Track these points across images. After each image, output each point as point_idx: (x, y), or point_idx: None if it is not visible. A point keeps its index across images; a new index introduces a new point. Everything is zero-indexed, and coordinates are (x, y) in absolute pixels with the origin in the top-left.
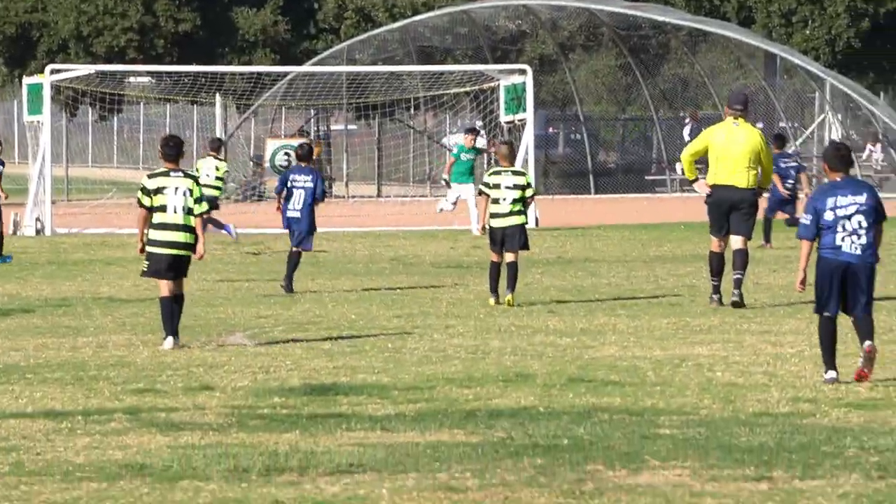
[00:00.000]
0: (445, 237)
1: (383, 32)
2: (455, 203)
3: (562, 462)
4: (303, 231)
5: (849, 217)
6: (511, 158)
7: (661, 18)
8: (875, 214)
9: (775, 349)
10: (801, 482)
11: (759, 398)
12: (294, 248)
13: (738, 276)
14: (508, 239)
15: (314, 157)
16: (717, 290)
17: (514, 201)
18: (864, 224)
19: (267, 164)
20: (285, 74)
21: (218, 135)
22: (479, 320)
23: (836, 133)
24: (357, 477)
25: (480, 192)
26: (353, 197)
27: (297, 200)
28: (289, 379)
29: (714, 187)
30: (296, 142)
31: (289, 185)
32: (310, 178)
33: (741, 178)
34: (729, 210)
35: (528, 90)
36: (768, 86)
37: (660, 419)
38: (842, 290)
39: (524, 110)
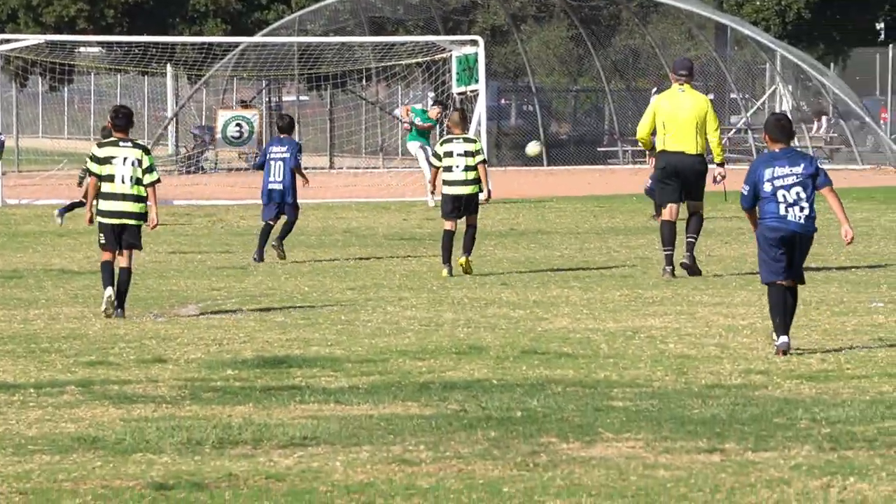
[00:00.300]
0: (398, 209)
1: (334, 3)
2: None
3: (515, 434)
4: (287, 201)
5: (787, 188)
6: (463, 125)
7: None
8: (814, 182)
9: (727, 321)
10: (754, 454)
11: (712, 370)
12: (269, 222)
13: (691, 239)
14: (464, 207)
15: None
16: (669, 260)
17: (467, 168)
18: (803, 195)
19: (219, 136)
20: (236, 45)
21: (169, 105)
22: (432, 292)
23: (786, 104)
24: (311, 450)
25: (431, 164)
26: (305, 168)
27: (277, 172)
28: (242, 351)
29: (663, 153)
30: (248, 113)
31: (267, 157)
32: (286, 148)
33: (689, 144)
34: (678, 176)
35: (479, 61)
36: (719, 57)
37: (613, 391)
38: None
39: (476, 81)
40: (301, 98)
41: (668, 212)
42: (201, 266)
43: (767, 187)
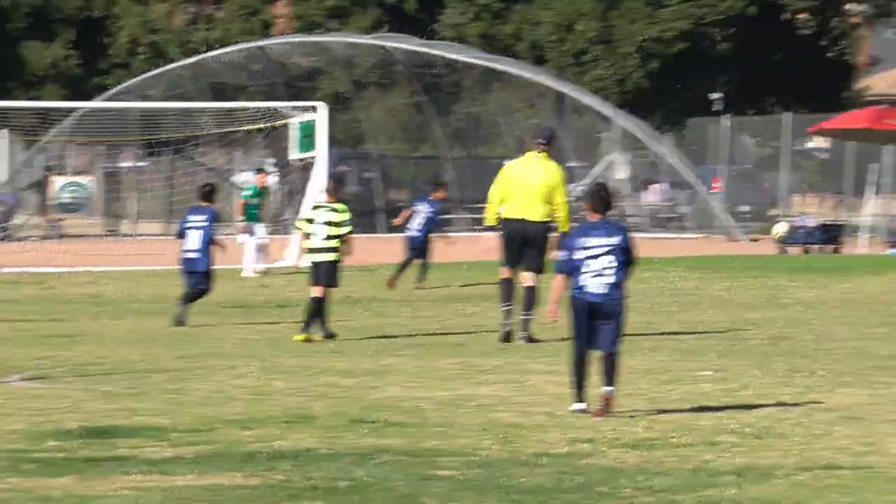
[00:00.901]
0: (231, 276)
1: (176, 68)
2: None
3: None
4: (199, 271)
5: (596, 257)
6: (335, 193)
7: (454, 57)
8: (625, 255)
9: (558, 389)
10: None
11: (540, 438)
12: (190, 290)
13: (527, 317)
14: (320, 274)
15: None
16: (508, 315)
17: (328, 237)
18: (613, 264)
19: (55, 201)
20: (75, 109)
21: (3, 170)
22: (263, 361)
23: (623, 173)
24: None
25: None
26: (141, 235)
27: (194, 241)
28: (65, 421)
29: (506, 221)
30: (84, 179)
31: (183, 225)
32: (204, 217)
33: (534, 211)
34: (521, 243)
35: (319, 127)
36: (558, 125)
37: (439, 460)
38: (590, 326)
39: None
40: (139, 164)
41: (507, 271)
42: (28, 334)
43: (579, 254)
